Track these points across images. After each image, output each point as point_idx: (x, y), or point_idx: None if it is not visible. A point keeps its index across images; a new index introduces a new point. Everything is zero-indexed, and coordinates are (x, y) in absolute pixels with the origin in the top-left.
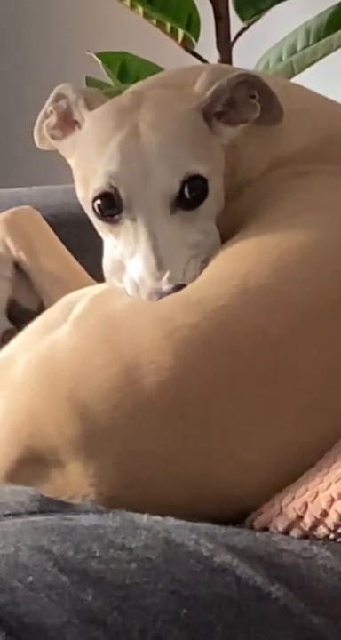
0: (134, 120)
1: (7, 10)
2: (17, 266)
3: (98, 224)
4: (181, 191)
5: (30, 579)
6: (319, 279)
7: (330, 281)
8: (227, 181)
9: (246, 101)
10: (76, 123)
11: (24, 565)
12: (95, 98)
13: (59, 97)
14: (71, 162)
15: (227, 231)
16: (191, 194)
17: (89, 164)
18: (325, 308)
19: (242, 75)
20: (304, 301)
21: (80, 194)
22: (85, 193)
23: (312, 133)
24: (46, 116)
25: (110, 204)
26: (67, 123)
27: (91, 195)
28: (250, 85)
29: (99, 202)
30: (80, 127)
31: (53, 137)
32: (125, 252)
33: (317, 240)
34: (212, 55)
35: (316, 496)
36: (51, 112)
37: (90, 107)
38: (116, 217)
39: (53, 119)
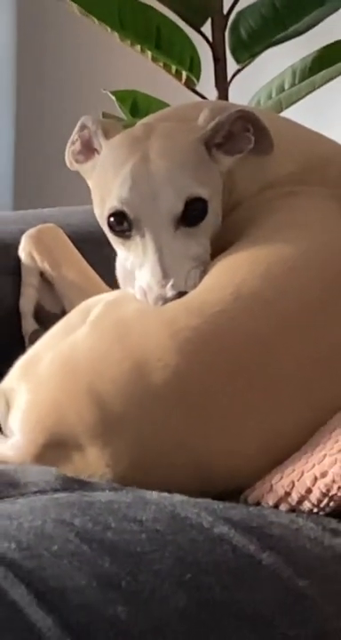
0: (145, 148)
1: (38, 53)
2: (42, 275)
3: (111, 238)
4: (184, 211)
5: (55, 547)
6: (301, 286)
7: (310, 287)
8: (224, 201)
9: (242, 134)
10: (96, 150)
11: (49, 536)
12: (112, 128)
13: (83, 127)
14: (90, 183)
15: (224, 243)
16: (193, 213)
17: (105, 185)
18: (307, 311)
19: (240, 111)
20: (289, 306)
21: (97, 212)
22: (101, 211)
23: (297, 160)
24: (72, 143)
25: (122, 222)
26: (89, 149)
27: (106, 213)
28: (246, 120)
29: (112, 219)
30: (99, 153)
31: (77, 161)
32: (135, 263)
33: (299, 253)
34: (211, 93)
35: (302, 475)
36: (77, 140)
37: (107, 136)
38: (127, 233)
39: (78, 146)
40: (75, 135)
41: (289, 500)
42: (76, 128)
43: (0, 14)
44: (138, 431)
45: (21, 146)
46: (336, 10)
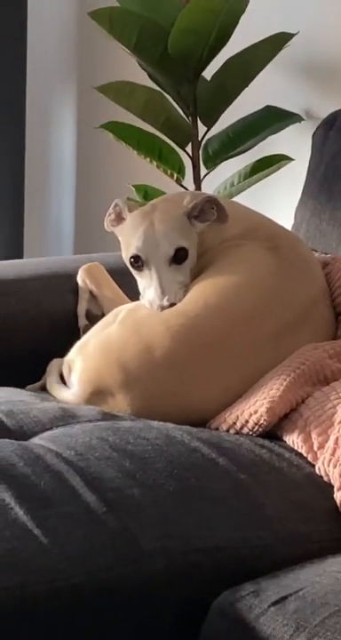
0: (151, 218)
1: (90, 159)
2: (91, 293)
3: (132, 271)
4: (174, 255)
5: (97, 454)
6: (243, 299)
7: (248, 300)
8: (198, 250)
9: (209, 210)
10: (123, 218)
11: (94, 447)
12: (132, 206)
13: (115, 205)
14: (120, 238)
15: (198, 274)
16: (179, 256)
17: (128, 240)
18: (247, 314)
19: (208, 197)
20: (236, 313)
21: (123, 255)
22: (126, 255)
23: (241, 226)
24: (109, 215)
25: (138, 261)
26: (119, 218)
27: (129, 256)
28: (212, 202)
29: (132, 259)
30: (125, 220)
31: (112, 225)
32: (145, 285)
33: (242, 279)
34: (191, 186)
35: (242, 412)
36: (112, 213)
37: (130, 210)
38: (141, 268)
39: (113, 216)
40: (110, 210)
41: (235, 427)
42: (111, 207)
43: (65, 133)
44: (146, 385)
45: (79, 216)
46: (265, 139)
